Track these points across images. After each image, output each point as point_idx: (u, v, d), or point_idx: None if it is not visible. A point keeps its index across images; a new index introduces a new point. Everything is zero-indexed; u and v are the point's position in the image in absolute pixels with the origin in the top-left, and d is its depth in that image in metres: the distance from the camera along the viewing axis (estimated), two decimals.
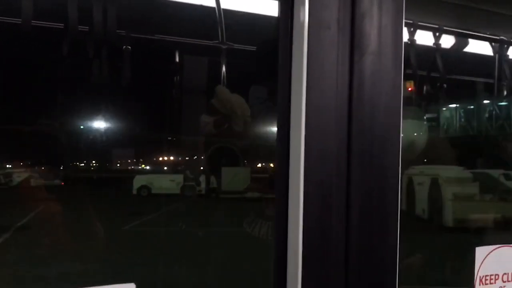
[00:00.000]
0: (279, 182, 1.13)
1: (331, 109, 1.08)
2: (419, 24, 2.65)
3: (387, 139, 1.13)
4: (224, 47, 3.21)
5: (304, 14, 1.04)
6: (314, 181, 1.08)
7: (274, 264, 1.13)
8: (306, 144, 1.07)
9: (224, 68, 3.21)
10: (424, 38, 2.75)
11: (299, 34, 1.05)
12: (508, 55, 3.06)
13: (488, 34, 3.08)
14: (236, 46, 3.25)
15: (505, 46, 2.97)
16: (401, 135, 1.15)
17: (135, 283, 0.97)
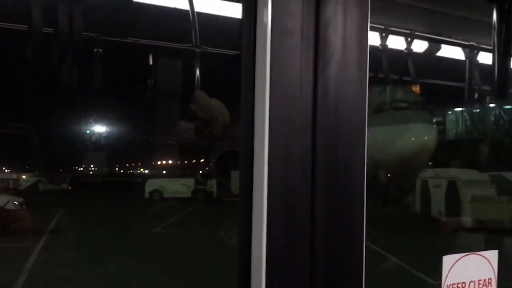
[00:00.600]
0: (243, 188, 1.11)
1: (295, 117, 1.07)
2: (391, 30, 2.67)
3: (353, 146, 1.12)
4: (198, 50, 3.18)
5: (267, 19, 1.03)
6: (279, 189, 1.06)
7: (238, 275, 1.11)
8: (270, 152, 1.05)
9: (198, 71, 3.18)
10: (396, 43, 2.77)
11: (262, 40, 1.03)
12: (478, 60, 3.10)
13: (459, 40, 3.12)
14: (210, 49, 3.23)
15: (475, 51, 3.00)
16: (366, 142, 1.14)
17: None
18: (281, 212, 1.07)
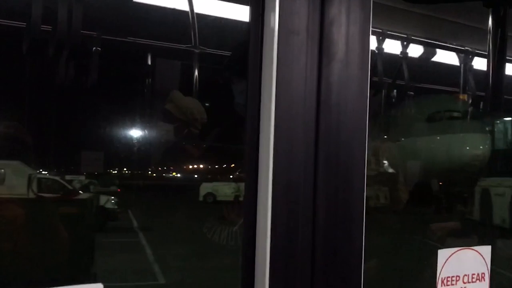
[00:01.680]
0: (248, 185, 1.15)
1: (299, 114, 1.11)
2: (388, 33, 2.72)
3: (354, 144, 1.17)
4: (197, 51, 3.21)
5: (274, 19, 1.07)
6: (282, 184, 1.10)
7: (242, 265, 1.14)
8: (275, 148, 1.09)
9: (196, 72, 3.21)
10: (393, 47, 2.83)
11: (269, 39, 1.07)
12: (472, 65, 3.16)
13: (454, 45, 3.19)
14: (209, 50, 3.26)
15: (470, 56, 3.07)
16: (367, 140, 1.18)
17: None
18: (284, 207, 1.11)
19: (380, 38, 2.80)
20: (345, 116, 1.15)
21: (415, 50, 3.03)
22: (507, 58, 2.21)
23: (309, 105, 1.12)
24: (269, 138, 1.09)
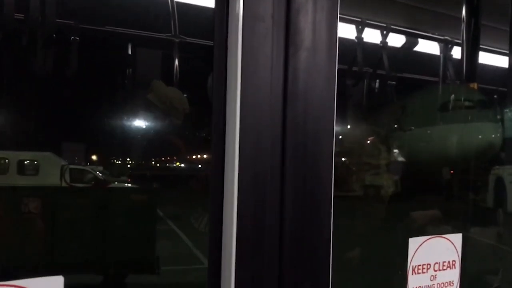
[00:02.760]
0: (214, 174, 1.13)
1: (266, 103, 1.10)
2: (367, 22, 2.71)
3: (321, 132, 1.16)
4: (177, 40, 3.18)
5: (239, 5, 1.05)
6: (249, 173, 1.09)
7: (208, 257, 1.14)
8: (241, 137, 1.08)
9: (176, 62, 3.18)
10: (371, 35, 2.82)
11: (234, 25, 1.06)
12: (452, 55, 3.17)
13: (435, 34, 3.19)
14: (190, 39, 3.23)
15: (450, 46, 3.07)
16: (335, 128, 1.17)
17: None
18: (251, 197, 1.10)
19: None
20: (313, 105, 1.14)
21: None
22: None
23: (275, 94, 1.11)
24: (235, 127, 1.07)
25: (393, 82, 3.30)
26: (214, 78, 1.12)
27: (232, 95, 1.08)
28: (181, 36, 3.34)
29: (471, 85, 2.95)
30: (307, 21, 1.13)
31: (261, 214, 1.11)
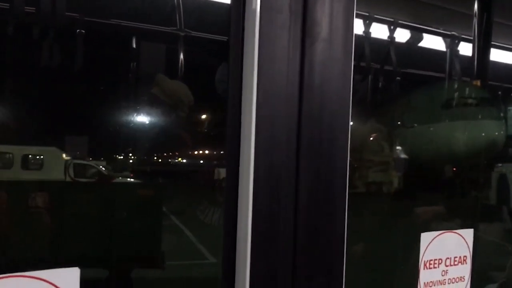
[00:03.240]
0: (229, 166, 1.13)
1: (282, 94, 1.09)
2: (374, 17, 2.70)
3: (336, 125, 1.15)
4: (182, 34, 3.16)
5: None
6: (264, 166, 1.08)
7: (223, 248, 1.13)
8: (256, 129, 1.07)
9: (181, 56, 3.17)
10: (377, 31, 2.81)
11: (251, 17, 1.05)
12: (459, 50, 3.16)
13: (441, 30, 3.17)
14: (195, 33, 3.21)
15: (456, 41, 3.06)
16: (350, 122, 1.17)
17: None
18: (266, 189, 1.09)
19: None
20: (329, 97, 1.13)
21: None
22: None
23: (292, 86, 1.10)
24: (251, 120, 1.07)
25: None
26: (229, 69, 1.11)
27: (248, 86, 1.07)
28: (186, 30, 3.33)
29: (474, 82, 2.94)
30: (324, 13, 1.12)
31: (276, 207, 1.10)
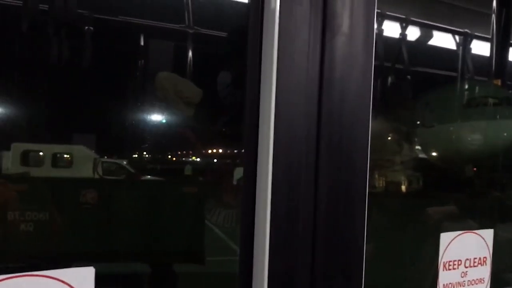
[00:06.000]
0: (247, 164, 1.10)
1: (301, 90, 1.06)
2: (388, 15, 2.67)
3: (357, 122, 1.12)
4: (191, 31, 3.14)
5: None
6: (283, 163, 1.05)
7: (241, 246, 1.10)
8: (275, 125, 1.04)
9: (190, 53, 3.14)
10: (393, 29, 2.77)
11: (271, 8, 1.02)
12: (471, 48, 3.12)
13: (452, 27, 3.13)
14: (204, 31, 3.18)
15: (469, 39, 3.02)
16: (371, 119, 1.13)
17: None
18: (285, 188, 1.06)
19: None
20: (349, 93, 1.10)
21: None
22: None
23: (311, 81, 1.07)
24: (269, 116, 1.04)
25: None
26: (248, 64, 1.08)
27: (267, 82, 1.04)
28: (195, 27, 3.30)
29: (495, 81, 2.90)
30: (344, 6, 1.08)
31: (295, 205, 1.07)
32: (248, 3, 1.07)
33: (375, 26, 1.13)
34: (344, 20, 1.09)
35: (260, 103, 1.06)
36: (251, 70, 1.07)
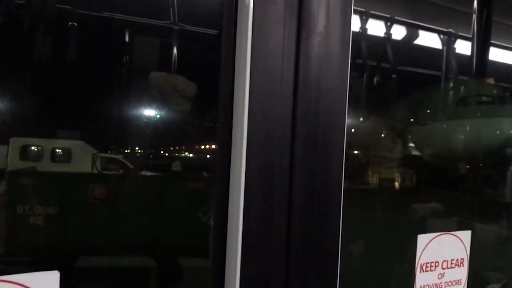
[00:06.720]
0: (220, 165, 1.08)
1: (276, 90, 1.04)
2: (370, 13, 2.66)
3: (332, 121, 1.10)
4: (176, 28, 3.10)
5: None
6: (257, 164, 1.04)
7: (213, 250, 1.08)
8: (249, 126, 1.02)
9: (175, 50, 3.11)
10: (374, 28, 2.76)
11: (244, 8, 1.00)
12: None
13: (437, 27, 3.13)
14: (189, 27, 3.15)
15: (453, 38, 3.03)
16: (346, 118, 1.12)
17: None
18: (258, 188, 1.05)
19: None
20: (324, 93, 1.09)
21: None
22: None
23: (286, 81, 1.05)
24: (243, 116, 1.02)
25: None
26: (221, 63, 1.06)
27: (241, 81, 1.02)
28: (181, 24, 3.27)
29: (488, 80, 2.91)
30: (320, 5, 1.07)
31: (269, 207, 1.05)
32: (222, 1, 1.04)
33: (351, 24, 1.11)
34: (320, 19, 1.07)
35: (234, 103, 1.04)
36: (225, 69, 1.05)
